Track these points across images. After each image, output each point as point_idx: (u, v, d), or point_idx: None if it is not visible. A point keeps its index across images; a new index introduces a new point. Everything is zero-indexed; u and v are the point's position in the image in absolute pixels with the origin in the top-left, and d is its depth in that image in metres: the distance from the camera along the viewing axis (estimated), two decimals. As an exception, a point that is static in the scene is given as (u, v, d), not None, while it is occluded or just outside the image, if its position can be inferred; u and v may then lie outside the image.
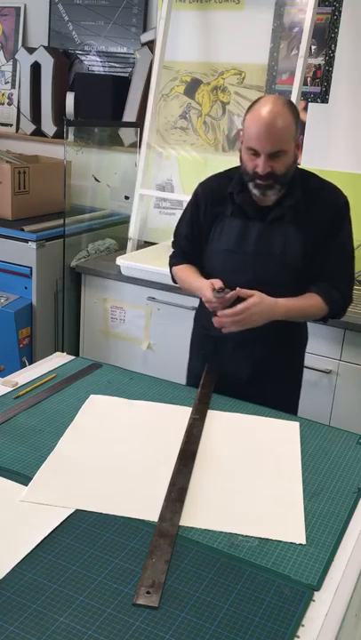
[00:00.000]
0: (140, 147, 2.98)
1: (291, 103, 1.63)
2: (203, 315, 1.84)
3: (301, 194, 1.69)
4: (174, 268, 1.91)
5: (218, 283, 1.64)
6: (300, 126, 2.72)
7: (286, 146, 1.59)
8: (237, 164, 1.73)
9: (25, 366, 2.01)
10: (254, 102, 1.63)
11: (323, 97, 2.68)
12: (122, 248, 3.09)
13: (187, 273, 1.84)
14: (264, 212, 1.71)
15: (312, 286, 1.72)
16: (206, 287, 1.65)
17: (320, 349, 2.34)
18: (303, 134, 2.74)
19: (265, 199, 1.69)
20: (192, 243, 1.84)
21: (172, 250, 1.94)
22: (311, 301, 1.71)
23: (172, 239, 1.93)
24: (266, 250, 1.72)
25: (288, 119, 1.58)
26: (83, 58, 3.39)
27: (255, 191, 1.66)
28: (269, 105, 1.58)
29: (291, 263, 1.71)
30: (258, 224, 1.72)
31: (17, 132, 3.62)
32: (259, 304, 1.59)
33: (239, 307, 1.58)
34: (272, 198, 1.68)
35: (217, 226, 1.77)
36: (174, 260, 1.92)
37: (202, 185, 1.83)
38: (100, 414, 1.53)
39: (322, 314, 1.73)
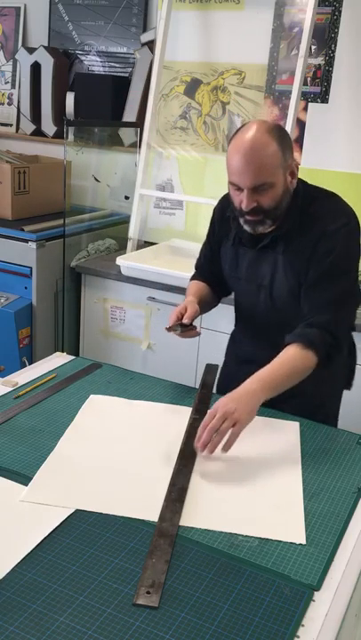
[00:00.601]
0: (140, 147, 2.98)
1: (277, 128, 1.46)
2: (234, 344, 1.83)
3: (298, 221, 1.52)
4: (189, 282, 1.84)
5: (188, 312, 1.59)
6: (300, 126, 2.72)
7: (272, 178, 1.43)
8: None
9: (25, 366, 2.02)
10: (237, 130, 1.48)
11: (323, 97, 2.68)
12: (122, 248, 3.09)
13: (189, 289, 1.78)
14: (257, 239, 1.58)
15: (288, 334, 1.48)
16: (174, 311, 1.62)
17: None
18: (303, 134, 2.74)
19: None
20: (208, 260, 1.77)
21: None
22: (285, 356, 1.44)
23: None
24: (254, 279, 1.62)
25: (272, 148, 1.41)
26: (83, 58, 3.39)
27: (246, 227, 1.53)
28: (250, 133, 1.42)
29: (278, 298, 1.59)
30: (249, 251, 1.61)
31: (17, 132, 3.62)
32: (224, 404, 1.33)
33: (206, 418, 1.33)
34: (267, 231, 1.54)
35: (221, 247, 1.70)
36: (193, 274, 1.85)
37: (219, 201, 1.73)
38: (100, 414, 1.53)
39: (310, 364, 1.44)
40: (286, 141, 1.47)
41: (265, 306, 1.63)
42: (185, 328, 1.62)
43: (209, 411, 1.33)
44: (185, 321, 1.61)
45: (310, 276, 1.51)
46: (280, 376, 1.41)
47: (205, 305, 1.77)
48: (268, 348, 1.50)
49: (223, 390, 1.49)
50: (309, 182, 1.61)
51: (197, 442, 1.31)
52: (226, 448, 1.30)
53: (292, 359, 1.43)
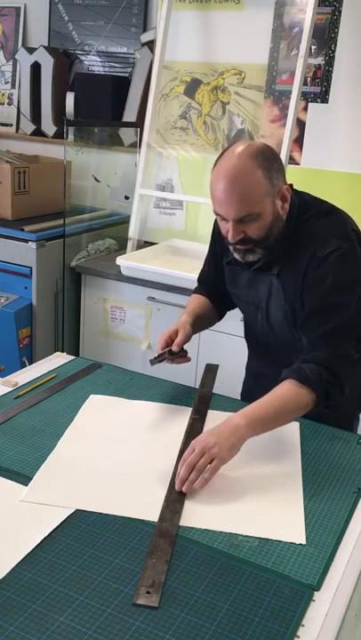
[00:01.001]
0: (140, 147, 2.98)
1: (263, 151, 1.34)
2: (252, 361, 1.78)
3: (293, 242, 1.43)
4: (191, 296, 1.77)
5: (178, 337, 1.52)
6: (300, 126, 2.72)
7: (258, 208, 1.33)
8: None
9: (25, 366, 2.02)
10: (221, 153, 1.38)
11: (323, 97, 2.68)
12: (122, 248, 3.09)
13: (189, 305, 1.70)
14: (251, 262, 1.48)
15: (285, 369, 1.38)
16: (163, 335, 1.56)
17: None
18: (303, 134, 2.74)
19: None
20: (212, 272, 1.69)
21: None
22: (278, 392, 1.34)
23: None
24: (252, 300, 1.56)
25: (255, 176, 1.31)
26: (83, 58, 3.39)
27: (235, 255, 1.45)
28: (233, 159, 1.32)
29: (275, 322, 1.52)
30: (246, 271, 1.53)
31: (17, 132, 3.62)
32: (204, 439, 1.26)
33: (185, 453, 1.25)
34: (257, 259, 1.45)
35: (223, 260, 1.62)
36: (196, 287, 1.78)
37: None
38: (100, 414, 1.53)
39: (305, 401, 1.33)
40: (274, 165, 1.35)
41: (263, 328, 1.58)
42: (173, 355, 1.51)
43: (190, 444, 1.27)
44: (174, 348, 1.51)
45: (306, 305, 1.41)
46: (268, 414, 1.31)
47: (204, 322, 1.69)
48: (273, 364, 1.44)
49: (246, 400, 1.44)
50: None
51: (177, 477, 1.23)
52: (201, 485, 1.22)
53: (283, 396, 1.33)
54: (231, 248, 1.44)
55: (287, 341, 1.50)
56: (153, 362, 1.52)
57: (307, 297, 1.41)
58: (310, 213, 1.45)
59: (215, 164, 1.37)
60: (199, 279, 1.78)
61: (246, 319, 1.68)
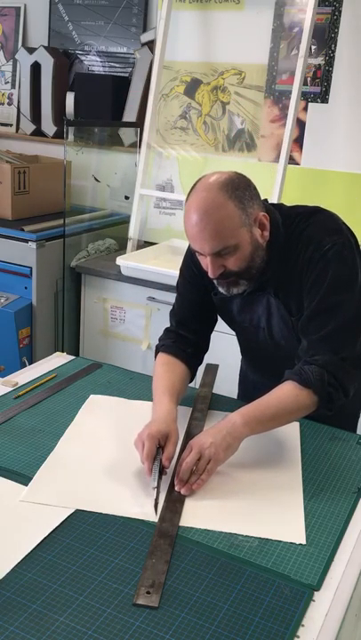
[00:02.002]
0: (140, 147, 2.98)
1: (233, 182, 1.30)
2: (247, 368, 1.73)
3: (286, 254, 1.39)
4: (157, 362, 1.54)
5: (167, 450, 1.26)
6: (300, 126, 2.72)
7: (231, 240, 1.29)
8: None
9: (25, 366, 2.02)
10: (193, 186, 1.33)
11: (323, 97, 2.68)
12: (122, 248, 3.09)
13: (159, 380, 1.48)
14: None
15: (287, 370, 1.36)
16: (141, 433, 1.29)
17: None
18: (303, 134, 2.74)
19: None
20: (189, 312, 1.57)
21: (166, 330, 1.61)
22: (278, 392, 1.32)
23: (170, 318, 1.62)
24: (250, 322, 1.52)
25: (227, 209, 1.27)
26: (83, 58, 3.39)
27: (221, 289, 1.41)
28: (201, 194, 1.28)
29: (280, 338, 1.49)
30: (237, 296, 1.47)
31: (17, 132, 3.62)
32: (199, 439, 1.26)
33: (183, 453, 1.25)
34: (242, 290, 1.40)
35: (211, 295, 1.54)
36: (164, 338, 1.58)
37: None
38: (100, 414, 1.53)
39: (306, 403, 1.31)
40: (246, 194, 1.31)
41: (267, 345, 1.53)
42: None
43: (188, 444, 1.27)
44: (165, 464, 1.26)
45: (306, 307, 1.39)
46: (266, 414, 1.30)
47: (183, 390, 1.52)
48: (279, 376, 1.39)
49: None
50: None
51: (176, 478, 1.23)
52: (197, 486, 1.22)
53: (283, 397, 1.31)
54: (215, 282, 1.41)
55: (295, 349, 1.45)
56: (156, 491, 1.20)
57: (307, 298, 1.39)
58: (297, 220, 1.42)
59: (187, 199, 1.33)
60: (179, 321, 1.59)
61: (244, 340, 1.64)
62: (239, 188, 1.30)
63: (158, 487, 1.20)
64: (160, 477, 1.22)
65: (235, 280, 1.38)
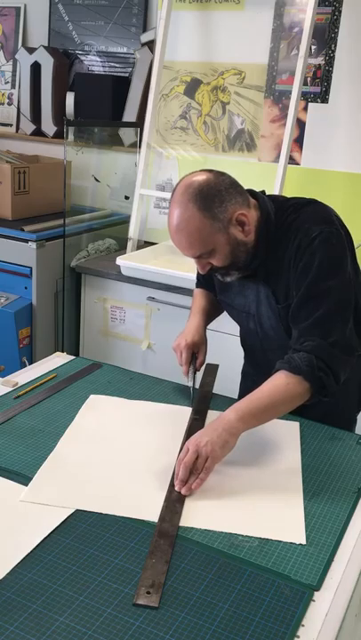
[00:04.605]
0: (140, 147, 2.98)
1: (199, 192, 1.33)
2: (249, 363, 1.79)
3: (277, 243, 1.43)
4: (195, 290, 1.83)
5: (201, 359, 1.68)
6: (300, 126, 2.72)
7: (206, 247, 1.37)
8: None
9: (25, 366, 2.01)
10: (174, 189, 1.40)
11: (323, 97, 2.68)
12: (122, 248, 3.09)
13: (194, 301, 1.78)
14: None
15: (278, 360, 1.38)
16: (179, 342, 1.66)
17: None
18: (303, 134, 2.74)
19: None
20: (205, 277, 1.72)
21: None
22: (270, 384, 1.34)
23: None
24: (242, 307, 1.58)
25: (194, 221, 1.33)
26: (83, 58, 3.39)
27: (217, 276, 1.52)
28: (174, 206, 1.36)
29: (268, 327, 1.53)
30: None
31: (17, 132, 3.62)
32: (195, 438, 1.28)
33: (181, 453, 1.28)
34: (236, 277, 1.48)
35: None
36: (197, 283, 1.83)
37: None
38: (100, 414, 1.53)
39: (299, 391, 1.32)
40: (215, 201, 1.34)
41: (257, 334, 1.59)
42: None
43: (185, 444, 1.28)
44: (198, 367, 1.68)
45: (295, 295, 1.41)
46: (260, 406, 1.31)
47: (213, 317, 1.78)
48: (268, 372, 1.40)
49: None
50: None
51: (175, 478, 1.25)
52: (196, 485, 1.23)
53: (275, 387, 1.32)
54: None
55: (284, 343, 1.48)
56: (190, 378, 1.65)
57: (296, 286, 1.41)
58: (289, 211, 1.45)
59: (169, 204, 1.41)
60: (198, 278, 1.81)
61: (240, 327, 1.68)
62: (208, 195, 1.34)
63: (194, 384, 1.60)
64: (195, 376, 1.61)
65: (225, 272, 1.46)
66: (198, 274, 1.78)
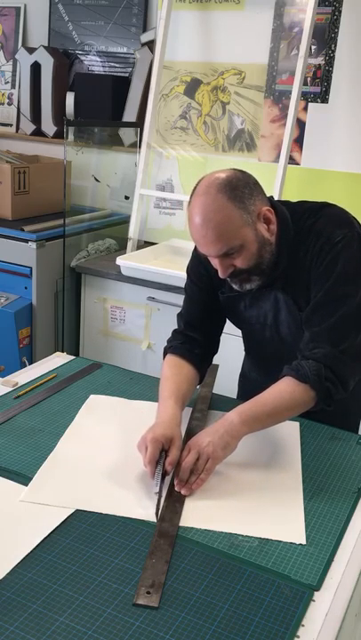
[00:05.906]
0: (140, 147, 2.98)
1: (230, 182, 1.29)
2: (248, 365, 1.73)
3: (295, 248, 1.39)
4: (165, 363, 1.53)
5: (171, 455, 1.25)
6: (300, 126, 2.72)
7: (235, 241, 1.30)
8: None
9: (25, 366, 2.02)
10: (192, 192, 1.33)
11: (323, 97, 2.68)
12: (122, 248, 3.09)
13: (165, 382, 1.46)
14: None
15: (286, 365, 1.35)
16: (145, 435, 1.28)
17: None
18: (303, 134, 2.74)
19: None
20: (199, 314, 1.57)
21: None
22: (275, 389, 1.31)
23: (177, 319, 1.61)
24: (256, 319, 1.52)
25: (227, 210, 1.27)
26: (83, 58, 3.39)
27: (234, 287, 1.42)
28: (200, 199, 1.29)
29: (287, 334, 1.48)
30: (244, 295, 1.48)
31: (17, 132, 3.62)
32: (197, 439, 1.27)
33: (183, 453, 1.25)
34: (256, 285, 1.41)
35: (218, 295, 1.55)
36: (173, 340, 1.57)
37: None
38: (100, 414, 1.53)
39: (304, 398, 1.30)
40: (245, 192, 1.30)
41: (273, 342, 1.53)
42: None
43: (186, 444, 1.27)
44: (167, 468, 1.24)
45: (313, 299, 1.38)
46: (264, 411, 1.29)
47: (189, 394, 1.49)
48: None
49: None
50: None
51: (175, 478, 1.23)
52: (197, 486, 1.22)
53: (280, 393, 1.30)
54: (228, 280, 1.41)
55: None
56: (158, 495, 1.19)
57: (314, 289, 1.38)
58: (306, 215, 1.42)
59: (189, 202, 1.34)
60: (187, 322, 1.59)
61: (251, 338, 1.63)
62: (238, 186, 1.30)
63: (160, 492, 1.19)
64: (162, 482, 1.21)
65: (246, 277, 1.38)
66: (187, 316, 1.60)
